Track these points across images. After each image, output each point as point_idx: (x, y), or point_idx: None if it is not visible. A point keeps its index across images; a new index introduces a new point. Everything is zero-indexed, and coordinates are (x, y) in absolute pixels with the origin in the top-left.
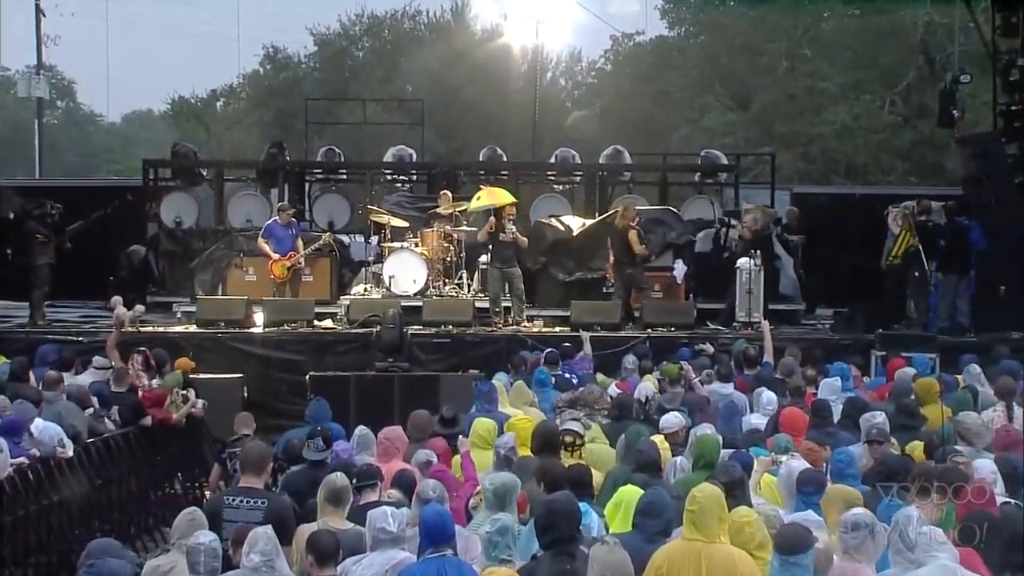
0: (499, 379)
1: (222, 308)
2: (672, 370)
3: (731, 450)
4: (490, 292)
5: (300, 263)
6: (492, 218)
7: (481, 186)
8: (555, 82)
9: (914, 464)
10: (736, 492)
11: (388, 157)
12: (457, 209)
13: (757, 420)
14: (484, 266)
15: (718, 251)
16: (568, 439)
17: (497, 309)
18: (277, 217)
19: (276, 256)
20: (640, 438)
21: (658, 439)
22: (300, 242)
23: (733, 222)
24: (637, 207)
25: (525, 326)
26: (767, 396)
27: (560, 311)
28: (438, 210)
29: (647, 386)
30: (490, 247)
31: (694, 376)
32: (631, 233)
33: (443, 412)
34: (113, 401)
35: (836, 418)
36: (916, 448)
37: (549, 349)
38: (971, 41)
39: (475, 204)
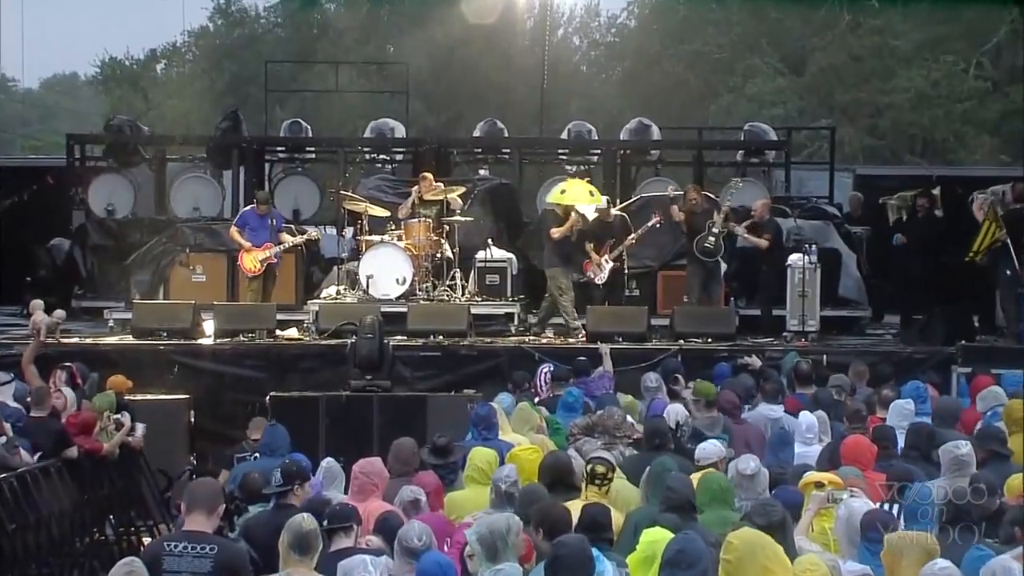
0: (501, 401)
1: (164, 314)
2: (708, 389)
3: (777, 487)
4: (565, 299)
5: (277, 259)
6: (575, 214)
7: (567, 176)
8: (568, 41)
9: (1007, 503)
10: (776, 538)
11: (367, 132)
12: (453, 193)
13: (801, 450)
14: (480, 263)
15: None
16: (601, 469)
17: (575, 323)
18: (254, 206)
19: (249, 245)
20: (669, 472)
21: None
22: (285, 235)
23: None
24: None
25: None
26: (807, 421)
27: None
28: (423, 196)
29: (677, 408)
30: (553, 247)
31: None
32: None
33: (435, 439)
34: (31, 428)
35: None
36: (1014, 482)
37: (549, 364)
38: None
39: (558, 197)
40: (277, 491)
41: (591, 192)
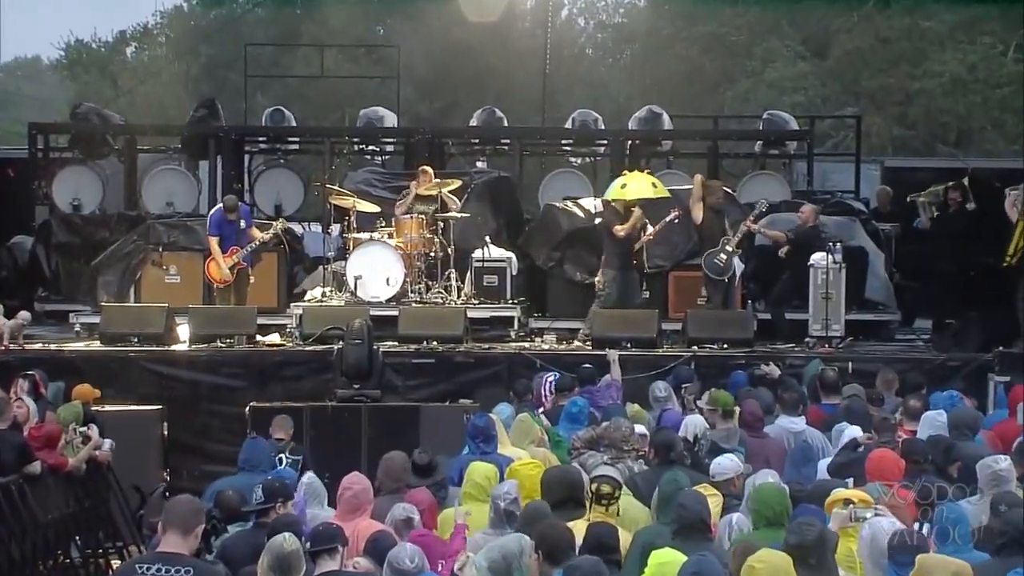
0: (500, 412)
1: (135, 318)
2: (726, 399)
3: (797, 505)
4: (598, 303)
5: (246, 261)
6: (638, 211)
7: (625, 171)
8: (572, 22)
9: None
10: (811, 560)
11: (356, 122)
12: (448, 187)
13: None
14: (477, 263)
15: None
16: (607, 489)
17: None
18: (222, 208)
19: (217, 253)
20: (680, 489)
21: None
22: (256, 231)
23: None
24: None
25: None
26: (852, 433)
27: (578, 322)
28: (417, 190)
29: (696, 420)
30: (614, 247)
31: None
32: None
33: (415, 457)
34: None
35: None
36: None
37: (553, 372)
38: None
39: (619, 193)
40: (258, 510)
41: (654, 184)
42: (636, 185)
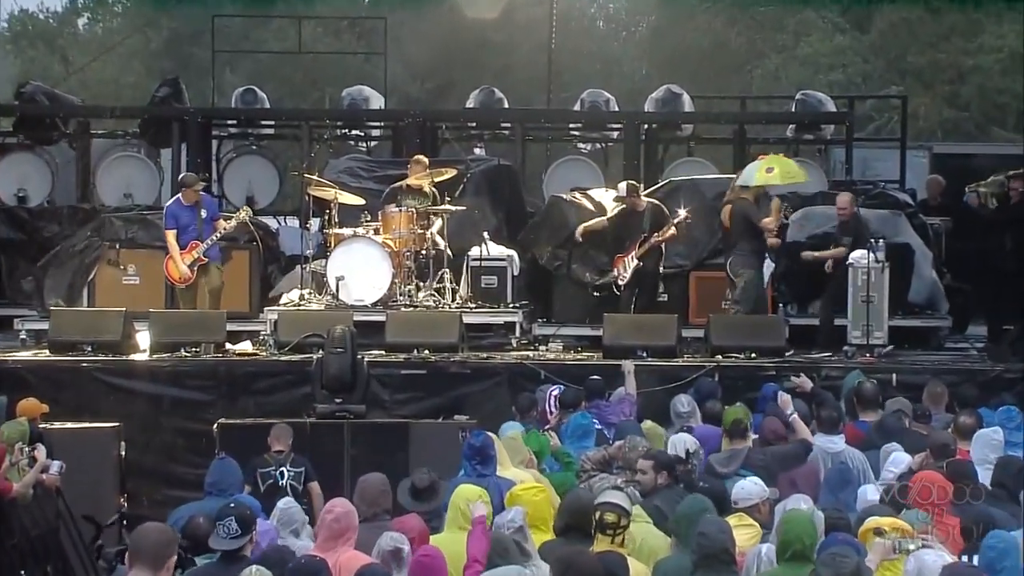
0: (507, 430)
1: (89, 324)
2: (727, 416)
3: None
4: (746, 306)
5: (211, 257)
6: (777, 201)
7: (761, 156)
8: None
9: None
10: None
11: (338, 103)
12: (440, 177)
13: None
14: (474, 262)
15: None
16: (611, 518)
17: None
18: (180, 195)
19: (176, 250)
20: (703, 515)
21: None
22: (221, 222)
23: None
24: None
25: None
26: (897, 456)
27: (588, 328)
28: (407, 181)
29: (683, 437)
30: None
31: (789, 410)
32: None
33: (414, 479)
34: None
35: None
36: None
37: (558, 384)
38: None
39: (764, 178)
40: (234, 547)
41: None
42: (783, 169)
